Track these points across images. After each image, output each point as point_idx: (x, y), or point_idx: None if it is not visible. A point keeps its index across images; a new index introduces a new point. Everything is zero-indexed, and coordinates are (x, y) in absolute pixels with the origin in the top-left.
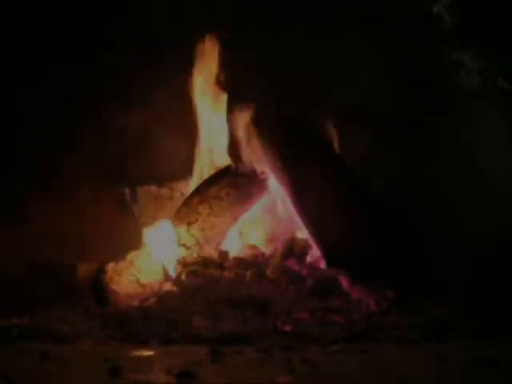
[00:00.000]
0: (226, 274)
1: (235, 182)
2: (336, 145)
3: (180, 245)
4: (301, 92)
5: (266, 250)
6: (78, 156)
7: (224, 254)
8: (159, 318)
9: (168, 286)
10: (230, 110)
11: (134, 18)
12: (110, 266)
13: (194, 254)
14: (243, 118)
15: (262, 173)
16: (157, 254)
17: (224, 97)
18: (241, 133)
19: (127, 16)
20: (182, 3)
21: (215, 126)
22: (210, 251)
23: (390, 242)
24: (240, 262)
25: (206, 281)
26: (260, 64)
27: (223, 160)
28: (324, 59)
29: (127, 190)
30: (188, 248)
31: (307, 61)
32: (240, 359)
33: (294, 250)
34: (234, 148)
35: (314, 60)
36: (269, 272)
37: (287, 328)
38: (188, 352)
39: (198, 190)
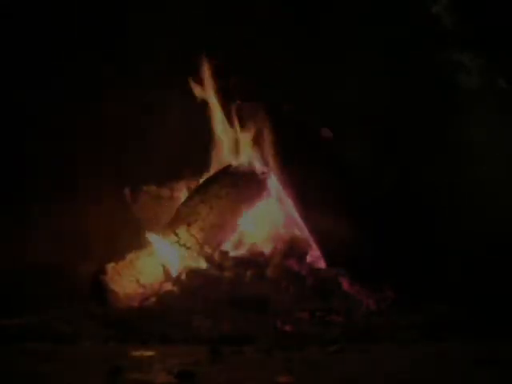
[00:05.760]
0: (226, 273)
1: (235, 182)
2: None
3: (180, 245)
4: (300, 92)
5: (266, 249)
6: (78, 156)
7: (224, 254)
8: (159, 317)
9: (168, 286)
10: (237, 109)
11: None
12: (110, 266)
13: (194, 254)
14: (251, 116)
15: (262, 173)
16: (157, 254)
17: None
18: (247, 131)
19: None
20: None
21: (219, 124)
22: (210, 251)
23: (390, 242)
24: (240, 262)
25: (206, 281)
26: (259, 65)
27: (225, 159)
28: (323, 59)
29: (127, 190)
30: (188, 248)
31: (306, 61)
32: (240, 359)
33: (293, 249)
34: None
35: (314, 60)
36: (269, 272)
37: (287, 328)
38: (188, 352)
39: (198, 190)
